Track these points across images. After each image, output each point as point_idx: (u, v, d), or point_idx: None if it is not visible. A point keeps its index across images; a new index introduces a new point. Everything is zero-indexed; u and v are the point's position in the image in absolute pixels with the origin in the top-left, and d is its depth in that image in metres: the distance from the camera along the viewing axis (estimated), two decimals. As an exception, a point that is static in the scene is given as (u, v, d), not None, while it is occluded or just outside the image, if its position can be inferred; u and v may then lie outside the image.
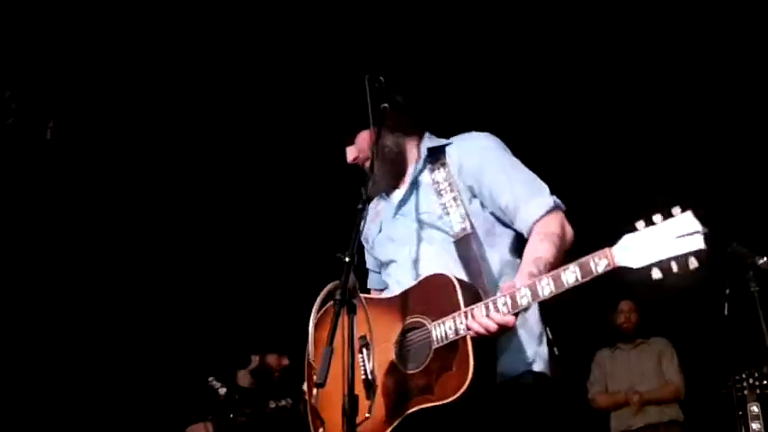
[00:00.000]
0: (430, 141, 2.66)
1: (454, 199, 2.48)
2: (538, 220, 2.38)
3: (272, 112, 5.26)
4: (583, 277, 1.98)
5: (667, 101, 5.26)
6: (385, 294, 2.57)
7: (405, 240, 2.53)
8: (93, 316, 5.44)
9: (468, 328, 2.14)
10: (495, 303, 2.12)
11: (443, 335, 2.20)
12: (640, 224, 1.91)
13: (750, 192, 5.39)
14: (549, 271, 2.11)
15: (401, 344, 2.28)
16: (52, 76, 4.76)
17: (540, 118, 5.29)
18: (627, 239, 1.92)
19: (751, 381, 3.92)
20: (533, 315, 2.48)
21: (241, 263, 5.78)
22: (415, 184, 2.61)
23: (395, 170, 2.64)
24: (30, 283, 5.16)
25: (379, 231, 2.65)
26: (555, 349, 4.76)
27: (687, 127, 5.34)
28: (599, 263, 1.96)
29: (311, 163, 5.07)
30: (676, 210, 1.87)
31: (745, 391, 3.95)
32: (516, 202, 2.43)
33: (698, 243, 1.82)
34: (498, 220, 2.50)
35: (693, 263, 1.83)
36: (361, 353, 2.09)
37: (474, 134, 2.63)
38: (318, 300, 2.12)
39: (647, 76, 5.13)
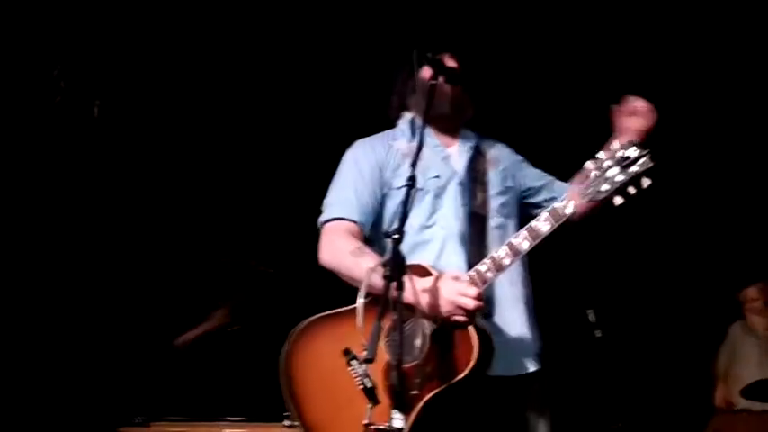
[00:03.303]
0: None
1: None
2: None
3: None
4: (556, 221, 2.21)
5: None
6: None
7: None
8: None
9: (453, 313, 2.19)
10: (477, 272, 2.25)
11: (432, 320, 2.21)
12: (589, 164, 2.16)
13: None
14: None
15: (391, 341, 2.22)
16: (100, 55, 4.80)
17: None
18: (584, 182, 2.17)
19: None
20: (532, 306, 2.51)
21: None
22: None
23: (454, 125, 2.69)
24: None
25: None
26: (598, 332, 4.80)
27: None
28: (567, 205, 2.20)
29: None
30: (615, 144, 2.13)
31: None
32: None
33: (645, 163, 2.09)
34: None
35: (647, 181, 2.09)
36: (350, 365, 2.05)
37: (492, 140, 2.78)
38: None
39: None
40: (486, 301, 2.32)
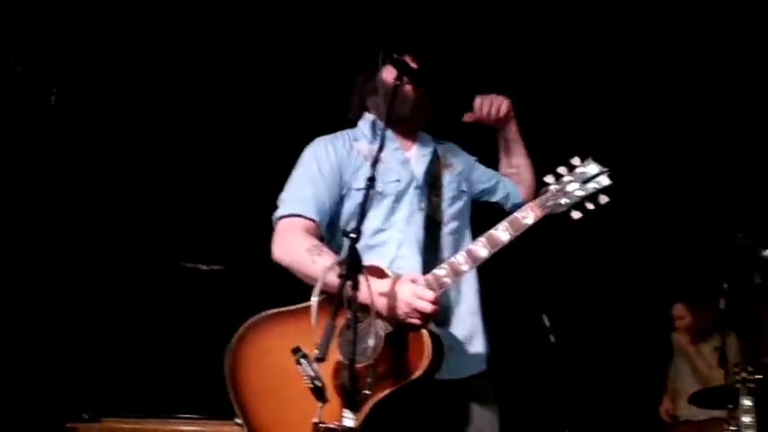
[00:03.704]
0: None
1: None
2: None
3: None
4: (516, 231, 2.24)
5: (663, 92, 5.19)
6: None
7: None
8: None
9: (409, 315, 2.19)
10: (435, 276, 2.26)
11: (387, 322, 2.24)
12: (550, 178, 2.24)
13: (754, 184, 5.43)
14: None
15: (343, 341, 2.20)
16: (57, 42, 4.72)
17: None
18: (545, 194, 2.24)
19: (744, 375, 3.94)
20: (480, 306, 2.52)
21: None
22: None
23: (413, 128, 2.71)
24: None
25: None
26: (552, 337, 4.85)
27: (690, 122, 5.27)
28: (527, 216, 2.23)
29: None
30: (576, 160, 2.22)
31: (738, 385, 3.98)
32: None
33: (604, 181, 2.18)
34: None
35: (604, 198, 2.18)
36: (300, 364, 1.99)
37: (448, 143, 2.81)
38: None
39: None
40: (442, 307, 2.32)
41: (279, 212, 2.55)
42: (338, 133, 2.71)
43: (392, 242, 2.48)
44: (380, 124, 2.57)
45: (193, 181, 5.44)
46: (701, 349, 5.37)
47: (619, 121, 5.21)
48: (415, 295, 2.19)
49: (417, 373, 2.19)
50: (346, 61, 2.94)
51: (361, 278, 2.06)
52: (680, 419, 5.42)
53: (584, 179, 2.19)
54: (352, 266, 2.04)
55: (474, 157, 2.83)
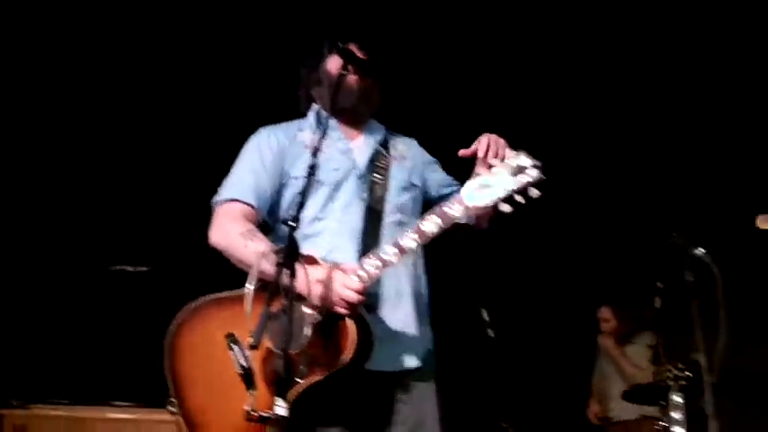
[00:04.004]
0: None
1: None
2: None
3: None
4: (444, 224, 2.19)
5: (598, 90, 5.24)
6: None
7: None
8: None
9: (337, 304, 2.19)
10: (363, 266, 2.23)
11: (318, 310, 2.23)
12: (482, 170, 2.19)
13: (687, 184, 5.55)
14: None
15: (277, 328, 2.15)
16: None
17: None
18: (472, 183, 2.17)
19: (676, 372, 4.04)
20: (426, 302, 2.52)
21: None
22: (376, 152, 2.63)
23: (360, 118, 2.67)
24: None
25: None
26: (491, 331, 4.90)
27: (624, 122, 5.33)
28: (454, 208, 2.18)
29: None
30: (510, 152, 2.17)
31: (670, 382, 4.07)
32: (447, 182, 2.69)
33: (535, 174, 2.10)
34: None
35: (534, 192, 2.10)
36: (231, 350, 1.99)
37: (404, 136, 2.77)
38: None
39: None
40: (373, 296, 2.32)
41: (217, 198, 2.55)
42: (285, 123, 2.69)
43: (328, 231, 2.46)
44: (325, 114, 2.55)
45: (118, 183, 5.38)
46: (626, 350, 5.50)
47: (553, 118, 5.26)
48: (342, 284, 2.19)
49: (343, 361, 2.19)
50: (291, 52, 2.90)
51: (298, 267, 2.06)
52: (612, 420, 5.54)
53: (515, 172, 2.12)
54: (290, 254, 2.04)
55: (434, 159, 2.78)
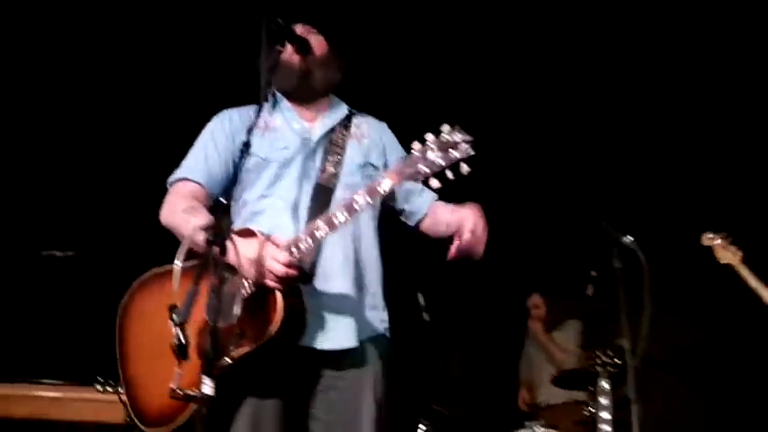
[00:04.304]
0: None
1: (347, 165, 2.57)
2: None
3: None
4: (371, 198, 2.19)
5: (532, 77, 5.29)
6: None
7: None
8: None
9: (266, 277, 2.20)
10: (294, 239, 2.24)
11: (250, 284, 2.25)
12: (416, 144, 2.14)
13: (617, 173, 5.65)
14: None
15: (211, 302, 2.13)
16: None
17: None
18: (405, 160, 2.16)
19: (604, 358, 4.12)
20: (375, 284, 2.53)
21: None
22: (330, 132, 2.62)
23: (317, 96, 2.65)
24: None
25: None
26: (426, 315, 4.93)
27: (554, 109, 5.39)
28: (383, 182, 2.17)
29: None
30: (445, 127, 2.12)
31: (598, 368, 4.16)
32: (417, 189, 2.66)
33: (467, 150, 2.08)
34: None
35: (465, 168, 2.08)
36: (172, 321, 1.96)
37: (374, 118, 2.76)
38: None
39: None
40: (311, 271, 2.33)
41: (170, 178, 2.61)
42: (246, 106, 2.67)
43: (273, 209, 2.46)
44: (279, 95, 2.62)
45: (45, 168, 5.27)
46: (554, 336, 5.62)
47: (489, 105, 5.29)
48: (270, 257, 2.19)
49: (269, 334, 2.19)
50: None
51: (228, 242, 2.05)
52: (541, 405, 5.64)
53: (447, 147, 2.10)
54: (220, 230, 2.03)
55: (402, 150, 2.70)
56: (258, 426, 2.32)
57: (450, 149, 2.08)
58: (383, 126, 2.77)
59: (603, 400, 3.99)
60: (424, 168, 2.11)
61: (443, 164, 2.09)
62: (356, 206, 2.21)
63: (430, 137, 2.13)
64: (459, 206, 2.54)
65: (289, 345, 2.26)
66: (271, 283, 2.21)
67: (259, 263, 2.20)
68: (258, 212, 2.48)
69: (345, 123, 2.65)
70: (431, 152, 2.11)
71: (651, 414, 5.49)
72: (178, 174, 2.59)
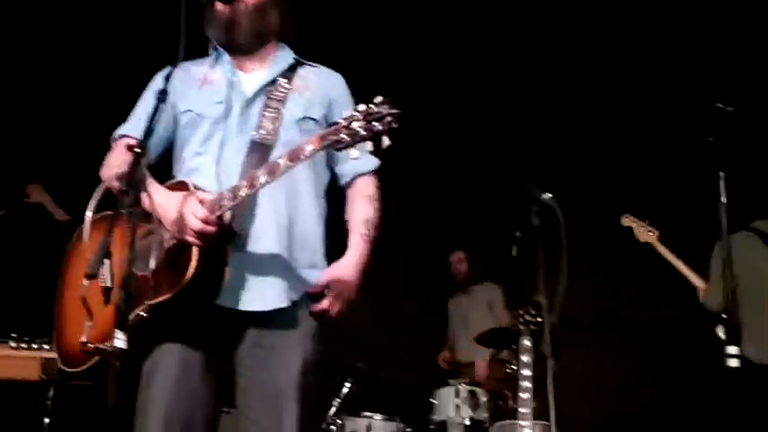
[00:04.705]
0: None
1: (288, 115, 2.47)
2: (363, 175, 2.57)
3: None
4: (292, 162, 2.15)
5: (457, 41, 5.35)
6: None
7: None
8: None
9: (184, 232, 2.17)
10: (217, 196, 2.21)
11: (170, 238, 2.22)
12: (345, 112, 2.11)
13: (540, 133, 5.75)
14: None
15: (137, 248, 2.16)
16: None
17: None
18: (330, 128, 2.13)
19: (527, 317, 4.20)
20: (315, 243, 2.48)
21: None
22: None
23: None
24: None
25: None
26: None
27: (476, 73, 5.46)
28: (306, 147, 2.13)
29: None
30: (378, 98, 2.08)
31: (521, 326, 4.23)
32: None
33: (389, 123, 2.05)
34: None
35: (386, 141, 2.06)
36: (102, 263, 1.94)
37: (328, 69, 2.64)
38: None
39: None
40: (234, 229, 2.27)
41: (113, 134, 2.57)
42: (191, 61, 2.56)
43: (205, 167, 2.39)
44: (219, 49, 2.53)
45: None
46: (477, 294, 5.74)
47: (412, 67, 5.29)
48: (190, 212, 2.16)
49: (181, 284, 2.15)
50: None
51: (143, 194, 2.00)
52: (462, 362, 5.76)
53: (371, 119, 2.07)
54: (134, 181, 1.98)
55: (353, 104, 2.53)
56: (185, 377, 2.27)
57: (375, 121, 2.06)
58: (336, 78, 2.63)
59: (525, 358, 4.06)
60: (345, 137, 2.08)
61: (365, 134, 2.06)
62: (278, 168, 2.17)
63: (361, 107, 2.10)
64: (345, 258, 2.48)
65: (204, 301, 2.22)
66: (189, 238, 2.17)
67: (180, 217, 2.17)
68: (192, 170, 2.40)
69: (290, 74, 2.55)
70: (355, 122, 2.08)
71: (569, 373, 5.70)
72: (119, 130, 2.54)
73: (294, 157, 2.16)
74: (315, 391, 2.42)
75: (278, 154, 2.33)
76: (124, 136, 2.51)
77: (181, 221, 2.17)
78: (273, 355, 2.35)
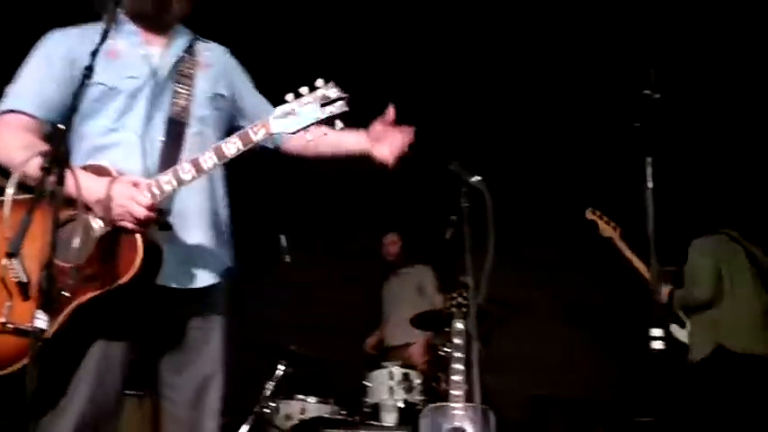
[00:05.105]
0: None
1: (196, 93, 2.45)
2: None
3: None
4: (244, 146, 2.18)
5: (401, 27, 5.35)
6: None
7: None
8: None
9: (124, 218, 2.13)
10: (157, 181, 2.16)
11: (102, 224, 2.15)
12: (290, 96, 2.18)
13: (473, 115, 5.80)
14: None
15: (59, 238, 2.03)
16: None
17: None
18: (279, 110, 2.19)
19: (460, 299, 4.26)
20: (226, 221, 2.48)
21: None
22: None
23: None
24: None
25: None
26: (287, 257, 4.93)
27: (416, 51, 5.47)
28: (258, 132, 2.17)
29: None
30: (320, 82, 2.17)
31: (454, 309, 4.29)
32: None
33: (341, 107, 2.16)
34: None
35: (339, 124, 2.17)
36: (9, 257, 1.90)
37: (216, 44, 2.62)
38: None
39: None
40: (167, 213, 2.24)
41: None
42: (83, 26, 2.46)
43: (123, 143, 2.31)
44: (125, 18, 2.42)
45: None
46: (410, 276, 5.80)
47: (345, 50, 5.29)
48: (131, 198, 2.11)
49: (124, 279, 2.12)
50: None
51: (68, 173, 1.95)
52: (391, 345, 5.80)
53: (323, 102, 2.15)
54: (57, 159, 1.92)
55: (247, 77, 2.66)
56: (104, 370, 2.22)
57: (327, 105, 2.14)
58: (228, 53, 2.65)
59: (457, 340, 4.11)
60: (299, 121, 2.15)
61: (320, 116, 2.15)
62: (227, 153, 2.17)
63: (305, 90, 2.16)
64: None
65: (143, 286, 2.19)
66: (131, 225, 2.13)
67: (118, 204, 2.11)
68: (105, 147, 2.31)
69: (191, 51, 2.52)
70: (308, 106, 2.15)
71: (503, 356, 5.80)
72: (8, 104, 2.33)
73: (246, 140, 2.18)
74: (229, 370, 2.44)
75: (194, 131, 2.37)
76: (14, 111, 2.32)
77: (121, 208, 2.11)
78: (198, 335, 2.37)
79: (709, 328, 4.57)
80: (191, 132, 2.38)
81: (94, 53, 2.10)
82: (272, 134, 2.19)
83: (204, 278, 2.37)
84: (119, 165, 2.23)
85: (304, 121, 2.16)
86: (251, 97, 2.64)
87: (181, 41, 2.50)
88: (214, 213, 2.44)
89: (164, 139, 2.33)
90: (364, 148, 2.58)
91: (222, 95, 2.52)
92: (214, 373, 2.38)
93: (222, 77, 2.54)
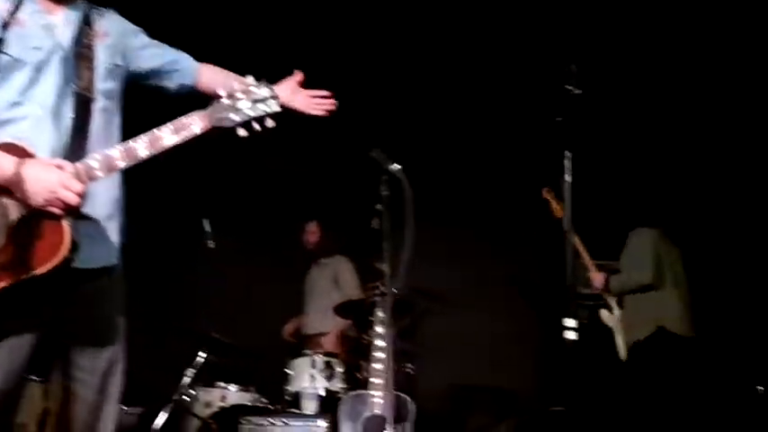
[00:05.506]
0: None
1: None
2: None
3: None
4: (181, 138, 2.19)
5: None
6: None
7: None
8: None
9: (51, 204, 2.08)
10: (86, 167, 2.13)
11: (18, 208, 2.09)
12: (223, 92, 2.22)
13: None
14: None
15: None
16: None
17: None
18: (215, 106, 2.21)
19: (383, 288, 4.29)
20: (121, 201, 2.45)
21: None
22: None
23: None
24: None
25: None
26: (211, 243, 4.88)
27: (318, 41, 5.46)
28: (194, 123, 2.19)
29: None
30: (250, 78, 2.25)
31: (377, 298, 4.32)
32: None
33: (274, 106, 2.23)
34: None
35: (270, 122, 2.24)
36: None
37: (105, 8, 2.54)
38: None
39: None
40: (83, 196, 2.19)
41: None
42: None
43: (31, 118, 2.23)
44: None
45: None
46: (331, 265, 5.83)
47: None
48: (61, 184, 2.05)
49: (48, 267, 2.06)
50: None
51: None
52: (307, 333, 5.82)
53: (256, 100, 2.22)
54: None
55: (138, 28, 2.59)
56: (10, 352, 2.18)
57: (260, 103, 2.21)
58: (114, 14, 2.56)
59: (379, 329, 4.14)
60: (234, 117, 2.20)
61: (252, 115, 2.21)
62: (162, 142, 2.16)
63: (237, 86, 2.22)
64: None
65: (63, 272, 2.12)
66: (57, 211, 2.07)
67: (48, 189, 2.05)
68: (9, 121, 2.22)
69: (87, 20, 2.43)
70: (241, 102, 2.21)
71: (426, 344, 5.87)
72: None
73: (182, 133, 2.18)
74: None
75: (99, 106, 2.34)
76: None
77: (51, 194, 2.05)
78: (100, 314, 2.35)
79: (651, 310, 4.70)
80: (97, 108, 2.34)
81: (5, 25, 2.06)
82: (209, 128, 2.21)
83: (105, 257, 2.34)
84: (25, 140, 2.16)
85: (238, 118, 2.21)
86: (151, 55, 2.60)
87: (77, 11, 2.42)
88: (114, 193, 2.41)
89: (73, 115, 2.27)
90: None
91: (119, 65, 2.48)
92: (118, 358, 2.37)
93: (119, 46, 2.49)
